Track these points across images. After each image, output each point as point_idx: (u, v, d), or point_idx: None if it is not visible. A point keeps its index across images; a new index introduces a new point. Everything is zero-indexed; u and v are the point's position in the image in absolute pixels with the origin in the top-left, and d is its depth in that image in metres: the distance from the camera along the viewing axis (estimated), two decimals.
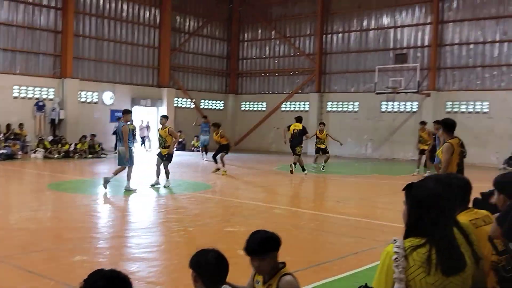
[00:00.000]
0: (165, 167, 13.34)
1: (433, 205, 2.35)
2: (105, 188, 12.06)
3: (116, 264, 6.24)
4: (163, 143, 13.40)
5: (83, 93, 25.16)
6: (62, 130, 23.89)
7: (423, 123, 18.43)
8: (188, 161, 21.50)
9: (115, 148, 24.98)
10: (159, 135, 13.59)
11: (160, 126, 13.70)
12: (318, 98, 28.72)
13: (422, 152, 17.86)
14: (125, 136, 12.14)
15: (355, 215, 10.31)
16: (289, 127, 17.13)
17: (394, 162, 24.66)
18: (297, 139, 16.77)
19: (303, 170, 16.65)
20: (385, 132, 26.29)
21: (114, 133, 25.02)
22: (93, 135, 23.10)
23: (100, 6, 26.07)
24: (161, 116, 14.12)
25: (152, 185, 13.26)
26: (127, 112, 12.63)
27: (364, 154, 27.10)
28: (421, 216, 2.37)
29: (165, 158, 13.31)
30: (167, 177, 13.26)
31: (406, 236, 2.40)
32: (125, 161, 12.30)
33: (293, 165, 16.76)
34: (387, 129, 26.25)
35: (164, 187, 13.11)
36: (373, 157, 26.58)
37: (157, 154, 13.63)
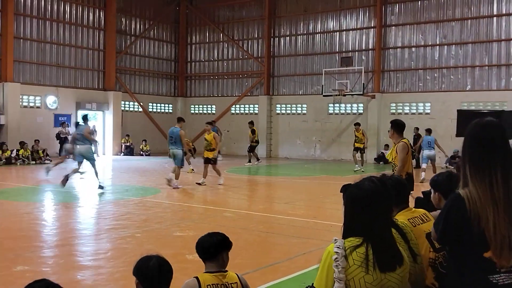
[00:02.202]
0: (214, 168, 14.98)
1: (367, 204, 2.42)
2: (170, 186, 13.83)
3: (60, 273, 6.07)
4: (208, 147, 14.98)
5: (25, 97, 24.32)
6: (3, 136, 22.99)
7: (357, 124, 20.50)
8: (136, 165, 21.17)
9: (60, 153, 24.35)
10: (206, 139, 15.15)
11: (206, 132, 15.37)
12: (267, 100, 28.92)
13: (357, 149, 20.23)
14: (183, 139, 14.12)
15: (304, 216, 10.45)
16: (253, 131, 22.59)
17: (342, 163, 25.14)
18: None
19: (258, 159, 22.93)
20: (333, 133, 26.79)
21: (57, 137, 24.37)
22: (37, 141, 22.43)
23: (42, 8, 25.30)
24: (206, 123, 15.86)
25: (199, 183, 14.69)
26: (182, 120, 14.87)
27: (312, 155, 27.49)
28: (357, 215, 2.43)
29: (212, 161, 14.92)
30: (219, 174, 14.96)
31: (345, 236, 2.45)
32: (177, 160, 14.10)
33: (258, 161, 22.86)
34: (334, 130, 26.74)
35: (219, 184, 14.71)
36: (321, 158, 27.01)
37: (204, 158, 15.14)
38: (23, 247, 7.39)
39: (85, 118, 14.26)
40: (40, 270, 6.24)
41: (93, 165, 13.45)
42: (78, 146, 13.63)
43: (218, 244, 3.19)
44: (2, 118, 23.03)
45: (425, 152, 17.97)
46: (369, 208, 2.41)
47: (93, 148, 14.02)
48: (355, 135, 20.39)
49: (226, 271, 3.19)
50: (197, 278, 3.09)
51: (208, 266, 3.19)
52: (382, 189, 2.47)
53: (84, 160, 13.58)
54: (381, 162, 24.01)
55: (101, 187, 13.31)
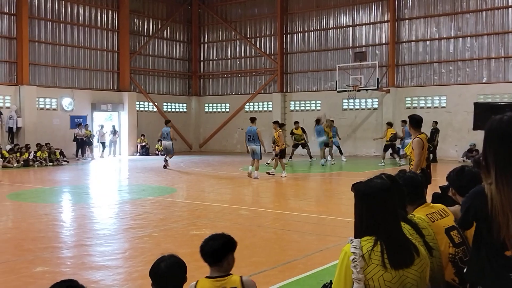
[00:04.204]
0: (281, 162, 16.82)
1: (375, 201, 2.40)
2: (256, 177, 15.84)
3: (78, 273, 6.11)
4: (275, 143, 17.07)
5: (41, 99, 24.58)
6: (21, 138, 23.27)
7: (296, 122, 22.86)
8: (152, 165, 21.27)
9: (76, 154, 24.58)
10: (273, 136, 17.41)
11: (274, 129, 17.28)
12: (281, 97, 28.86)
13: (296, 146, 22.65)
14: (260, 137, 15.98)
15: (320, 213, 10.41)
16: (303, 129, 23.00)
17: (358, 158, 25.00)
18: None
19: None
20: (348, 129, 26.62)
21: (74, 138, 24.51)
22: (48, 144, 22.44)
23: (56, 11, 25.52)
24: (272, 122, 17.93)
25: (268, 173, 16.65)
26: (255, 119, 16.67)
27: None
28: (365, 212, 2.41)
29: (279, 155, 16.76)
30: (283, 168, 16.60)
31: (357, 235, 2.43)
32: (256, 155, 15.95)
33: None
34: (349, 126, 26.59)
35: (282, 177, 16.11)
36: (336, 154, 26.80)
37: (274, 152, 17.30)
38: (42, 248, 7.47)
39: (167, 121, 19.98)
40: (60, 271, 6.30)
41: (170, 157, 19.72)
42: (164, 142, 19.75)
43: (221, 248, 3.00)
44: (20, 121, 23.30)
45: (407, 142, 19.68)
46: (376, 204, 2.39)
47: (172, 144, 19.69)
48: (296, 133, 22.46)
49: (229, 274, 3.02)
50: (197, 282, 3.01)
51: (212, 270, 3.02)
52: (389, 185, 2.44)
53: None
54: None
55: (165, 166, 19.17)
